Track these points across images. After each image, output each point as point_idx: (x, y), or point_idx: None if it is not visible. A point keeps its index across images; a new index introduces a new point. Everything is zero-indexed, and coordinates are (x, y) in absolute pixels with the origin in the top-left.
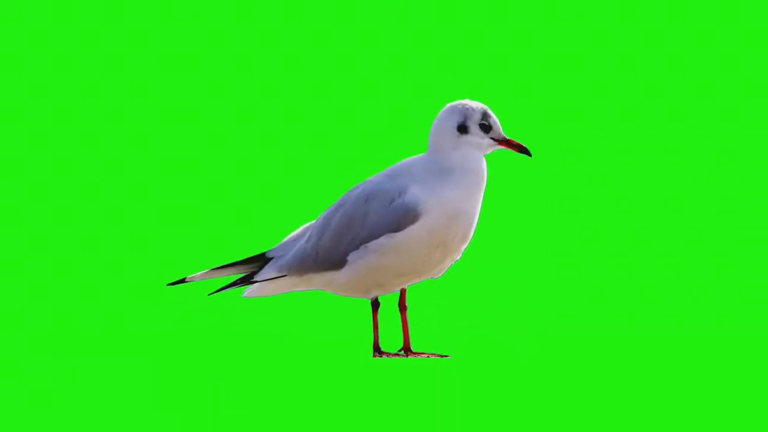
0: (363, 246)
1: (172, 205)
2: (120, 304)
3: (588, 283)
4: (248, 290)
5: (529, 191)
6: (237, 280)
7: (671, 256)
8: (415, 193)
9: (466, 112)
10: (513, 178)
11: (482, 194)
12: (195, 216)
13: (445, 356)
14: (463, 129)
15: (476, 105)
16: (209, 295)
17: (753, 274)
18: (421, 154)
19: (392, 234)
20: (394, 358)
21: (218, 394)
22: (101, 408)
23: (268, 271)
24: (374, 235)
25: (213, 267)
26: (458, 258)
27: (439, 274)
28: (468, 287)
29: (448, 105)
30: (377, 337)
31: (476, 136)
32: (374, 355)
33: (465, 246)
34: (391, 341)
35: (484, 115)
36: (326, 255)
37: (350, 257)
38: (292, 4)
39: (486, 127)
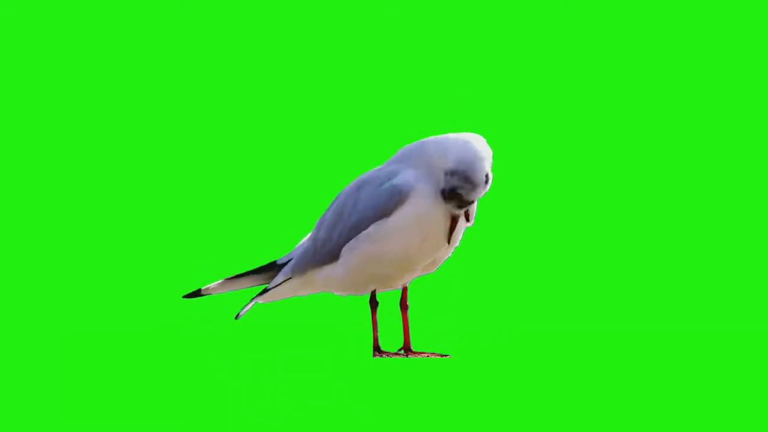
0: (354, 238)
1: (185, 213)
2: (130, 311)
3: (589, 282)
4: (261, 297)
5: (529, 190)
6: (259, 294)
7: (671, 256)
8: (405, 176)
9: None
10: (513, 176)
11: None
12: (208, 225)
13: (445, 356)
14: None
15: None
16: (236, 318)
17: (753, 276)
18: (435, 144)
19: (381, 220)
20: (394, 357)
21: (217, 393)
22: (102, 409)
23: (278, 278)
24: (363, 218)
25: (227, 277)
26: (451, 252)
27: (434, 268)
28: (469, 287)
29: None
30: (377, 337)
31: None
32: (374, 355)
33: (459, 236)
34: (391, 341)
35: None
36: (322, 247)
37: (343, 249)
38: (297, 4)
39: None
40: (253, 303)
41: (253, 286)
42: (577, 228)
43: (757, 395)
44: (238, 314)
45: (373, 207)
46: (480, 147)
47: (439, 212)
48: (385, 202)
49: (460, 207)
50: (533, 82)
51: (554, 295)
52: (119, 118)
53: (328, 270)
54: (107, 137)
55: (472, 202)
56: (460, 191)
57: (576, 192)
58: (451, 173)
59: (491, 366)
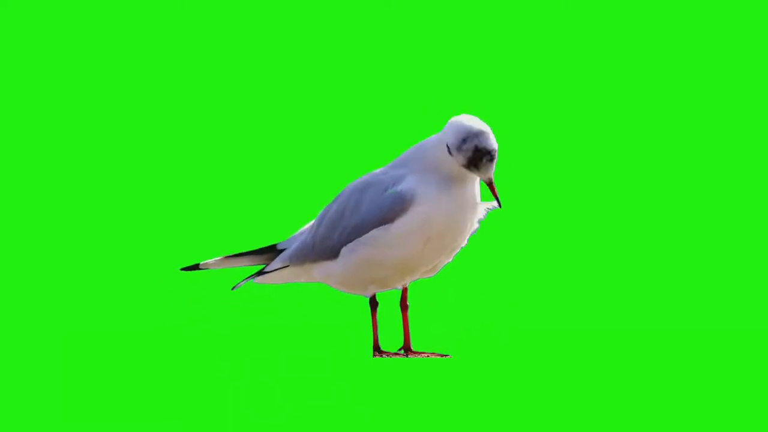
0: (355, 240)
1: (189, 195)
2: (132, 292)
3: (589, 282)
4: (258, 278)
5: (530, 189)
6: (256, 273)
7: (671, 256)
8: (409, 183)
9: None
10: (514, 176)
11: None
12: (212, 207)
13: (445, 356)
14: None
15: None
16: (233, 289)
17: (754, 276)
18: (432, 141)
19: (383, 226)
20: (394, 357)
21: (216, 392)
22: (93, 395)
23: (275, 263)
24: (365, 222)
25: (227, 255)
26: (451, 258)
27: (434, 273)
28: (469, 286)
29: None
30: (377, 337)
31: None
32: (374, 355)
33: (461, 243)
34: (391, 341)
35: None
36: (321, 243)
37: (343, 250)
38: (297, 4)
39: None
40: (248, 279)
41: (250, 266)
42: (576, 228)
43: (757, 395)
44: (234, 286)
45: (375, 212)
46: (468, 116)
47: (441, 217)
48: (388, 209)
49: (490, 161)
50: (532, 81)
51: (554, 295)
52: (127, 101)
53: (327, 266)
54: (119, 121)
55: (495, 149)
56: (479, 145)
57: (575, 193)
58: (462, 142)
59: (491, 366)
